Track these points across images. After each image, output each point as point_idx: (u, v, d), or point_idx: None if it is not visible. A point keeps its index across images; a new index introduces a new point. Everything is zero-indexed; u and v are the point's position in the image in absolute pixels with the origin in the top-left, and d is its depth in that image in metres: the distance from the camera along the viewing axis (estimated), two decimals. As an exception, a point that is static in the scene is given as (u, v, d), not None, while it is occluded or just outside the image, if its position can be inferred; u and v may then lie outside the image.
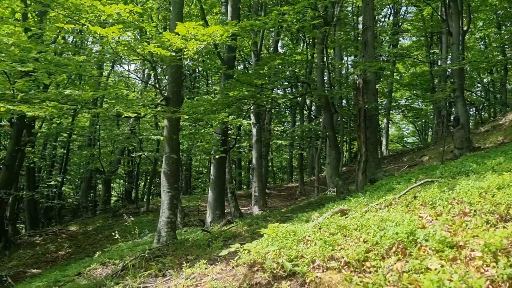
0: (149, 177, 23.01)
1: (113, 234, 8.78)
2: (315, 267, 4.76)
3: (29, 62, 9.53)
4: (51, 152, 24.64)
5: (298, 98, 14.94)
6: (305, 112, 24.07)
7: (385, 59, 24.71)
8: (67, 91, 7.19)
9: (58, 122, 22.25)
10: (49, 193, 24.17)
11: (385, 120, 26.39)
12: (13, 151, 13.65)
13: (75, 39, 19.35)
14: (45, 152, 23.75)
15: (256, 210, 15.54)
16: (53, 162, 26.02)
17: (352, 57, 25.23)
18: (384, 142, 25.54)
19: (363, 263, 4.43)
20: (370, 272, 4.21)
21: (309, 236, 5.58)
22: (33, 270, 13.90)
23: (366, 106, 10.80)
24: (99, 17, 8.20)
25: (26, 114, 7.39)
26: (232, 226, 11.47)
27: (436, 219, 5.14)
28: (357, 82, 11.06)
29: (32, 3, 10.90)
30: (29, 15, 12.42)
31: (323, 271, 4.65)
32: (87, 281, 9.06)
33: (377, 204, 6.83)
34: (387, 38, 25.08)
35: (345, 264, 4.52)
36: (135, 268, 8.07)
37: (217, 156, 12.83)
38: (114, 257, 10.28)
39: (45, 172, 25.46)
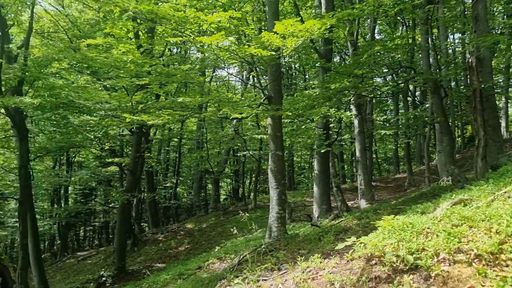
0: (254, 175, 23.85)
1: (232, 230, 9.27)
2: (440, 260, 4.49)
3: (143, 76, 10.54)
4: (165, 156, 26.96)
5: (401, 85, 14.17)
6: (409, 98, 22.74)
7: (499, 32, 22.16)
8: (179, 99, 7.80)
9: (169, 128, 24.23)
10: (166, 194, 26.45)
11: (503, 100, 23.73)
12: (135, 157, 15.18)
13: (179, 50, 20.87)
14: (160, 157, 26.06)
15: (363, 204, 15.14)
16: (167, 166, 28.45)
17: (458, 34, 23.11)
18: (503, 124, 22.95)
19: (497, 256, 4.06)
20: (506, 266, 3.85)
21: (429, 228, 5.28)
22: (158, 264, 15.29)
23: (482, 86, 9.84)
24: (201, 27, 8.73)
25: (147, 123, 8.17)
26: (342, 220, 11.33)
27: None
28: (470, 60, 10.11)
29: (143, 22, 12.02)
30: (140, 33, 13.70)
31: (449, 265, 4.37)
32: (208, 274, 9.70)
33: (505, 192, 6.19)
34: (500, 8, 22.46)
35: (475, 257, 4.19)
36: (250, 262, 8.44)
37: (322, 151, 12.78)
38: (229, 252, 10.82)
39: (161, 175, 27.94)
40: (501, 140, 13.48)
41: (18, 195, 13.33)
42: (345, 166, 29.08)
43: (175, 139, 25.31)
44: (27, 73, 12.33)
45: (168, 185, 26.26)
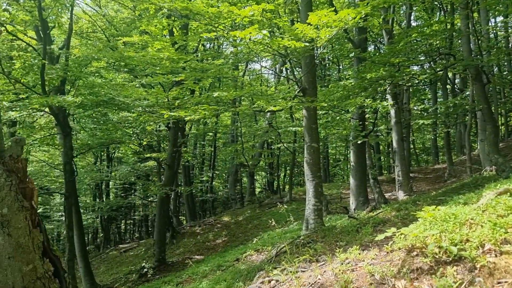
0: (289, 168, 23.83)
1: (269, 221, 9.35)
2: (485, 251, 4.37)
3: (179, 72, 10.73)
4: (200, 150, 27.44)
5: (440, 72, 13.71)
6: (448, 86, 21.96)
7: (546, 13, 20.93)
8: (215, 94, 7.91)
9: (204, 123, 24.61)
10: (203, 188, 26.93)
11: (550, 85, 22.44)
12: (172, 152, 15.52)
13: (212, 45, 21.10)
14: (196, 151, 26.54)
15: (401, 195, 14.82)
16: (203, 160, 28.95)
17: (501, 18, 22.03)
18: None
19: (548, 246, 3.90)
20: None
21: (472, 219, 5.14)
22: (197, 256, 15.62)
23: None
24: (234, 21, 8.80)
25: (183, 118, 8.34)
26: (380, 212, 11.17)
27: None
28: (514, 44, 9.66)
29: (177, 19, 12.23)
30: (174, 29, 13.94)
31: (496, 256, 4.25)
32: (246, 266, 9.83)
33: (556, 181, 5.92)
34: (547, -13, 21.18)
35: (524, 248, 4.05)
36: (288, 254, 8.49)
37: (359, 142, 12.62)
38: (267, 244, 10.91)
39: (197, 169, 28.45)
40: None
41: (63, 190, 13.97)
42: (382, 158, 28.52)
43: (210, 134, 25.68)
44: (68, 73, 12.85)
45: (204, 179, 26.71)
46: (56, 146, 16.40)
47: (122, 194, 26.90)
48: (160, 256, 14.78)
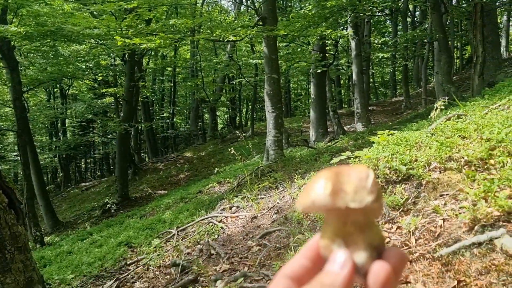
0: (250, 103, 23.77)
1: (230, 151, 9.44)
2: (432, 169, 4.63)
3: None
4: (160, 86, 26.64)
5: (400, 1, 13.62)
6: (408, 19, 21.98)
7: None
8: (171, 21, 7.50)
9: (162, 57, 23.67)
10: (164, 124, 26.55)
11: (504, 17, 22.99)
12: (129, 86, 14.99)
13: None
14: (155, 87, 25.75)
15: (359, 127, 15.29)
16: (163, 96, 28.23)
17: None
18: (503, 43, 22.47)
19: (486, 161, 4.17)
20: (495, 169, 3.97)
21: (422, 142, 5.39)
22: (160, 191, 15.78)
23: (484, 0, 9.47)
24: None
25: (139, 47, 7.94)
26: (338, 142, 11.53)
27: None
28: (473, -28, 9.64)
29: None
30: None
31: (440, 173, 4.52)
32: (208, 197, 10.07)
33: (499, 106, 6.23)
34: None
35: (465, 164, 4.31)
36: (249, 183, 8.72)
37: (318, 71, 12.61)
38: (229, 176, 11.12)
39: (157, 105, 27.82)
40: (500, 58, 13.28)
41: (15, 128, 13.35)
42: (342, 91, 28.93)
43: (169, 68, 24.83)
44: (9, 0, 11.75)
45: (164, 115, 26.26)
46: (3, 81, 15.40)
47: (80, 132, 26.13)
48: (123, 192, 14.80)
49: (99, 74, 17.99)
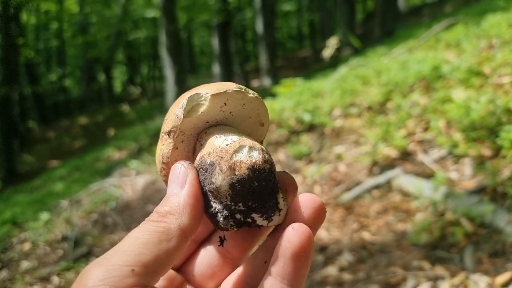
0: (151, 61, 22.31)
1: (129, 112, 8.67)
2: (335, 117, 4.54)
3: None
4: (46, 44, 23.59)
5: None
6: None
7: None
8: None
9: (46, 11, 20.84)
10: (53, 89, 23.92)
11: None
12: (6, 44, 13.04)
13: None
14: (40, 45, 22.78)
15: (266, 82, 15.17)
16: (49, 56, 25.09)
17: None
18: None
19: (384, 105, 4.18)
20: (391, 112, 3.99)
21: (325, 91, 5.29)
22: (53, 162, 14.36)
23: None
24: None
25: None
26: (243, 97, 11.26)
27: (461, 55, 4.76)
28: None
29: None
30: None
31: (343, 119, 4.45)
32: (106, 164, 9.30)
33: (396, 51, 6.39)
34: None
35: (366, 109, 4.28)
36: (150, 146, 8.17)
37: (220, 21, 11.97)
38: (129, 141, 10.40)
39: (44, 66, 24.80)
40: (397, 10, 13.91)
41: None
42: (249, 47, 28.52)
43: (55, 25, 22.01)
44: None
45: (53, 78, 23.50)
46: None
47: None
48: (9, 166, 13.15)
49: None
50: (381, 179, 3.47)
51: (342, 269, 2.78)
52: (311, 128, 4.80)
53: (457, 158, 3.25)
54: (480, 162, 3.06)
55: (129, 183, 6.31)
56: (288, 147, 4.41)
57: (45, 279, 4.24)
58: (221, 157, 0.62)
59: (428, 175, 3.29)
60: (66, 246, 4.96)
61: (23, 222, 6.40)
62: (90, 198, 6.34)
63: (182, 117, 0.66)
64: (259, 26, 15.12)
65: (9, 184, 12.52)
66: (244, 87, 0.71)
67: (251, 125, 0.77)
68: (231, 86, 0.70)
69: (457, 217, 2.75)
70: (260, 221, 0.62)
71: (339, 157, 3.90)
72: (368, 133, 3.77)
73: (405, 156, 3.65)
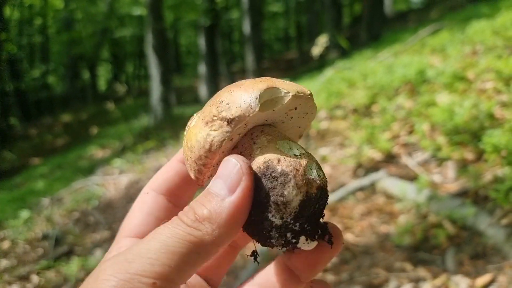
0: (136, 59, 22.07)
1: (114, 111, 8.55)
2: (320, 119, 4.56)
3: None
4: (29, 40, 23.11)
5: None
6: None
7: None
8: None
9: (29, 5, 20.42)
10: (36, 85, 23.44)
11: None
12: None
13: None
14: (23, 41, 22.30)
15: (252, 83, 15.16)
16: (33, 51, 24.60)
17: None
18: (387, 3, 23.98)
19: (370, 107, 4.22)
20: (376, 114, 4.03)
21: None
22: (35, 160, 14.06)
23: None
24: None
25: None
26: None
27: (446, 60, 4.84)
28: None
29: None
30: None
31: (327, 122, 4.47)
32: (89, 162, 9.17)
33: (382, 55, 6.45)
34: None
35: (351, 111, 4.31)
36: (134, 145, 8.08)
37: (207, 24, 11.94)
38: (113, 140, 10.28)
39: (27, 62, 24.29)
40: (383, 14, 14.07)
41: None
42: (236, 48, 28.47)
43: (39, 20, 21.59)
44: None
45: (36, 74, 23.01)
46: None
47: None
48: (-12, 164, 12.84)
49: None
50: (365, 181, 3.50)
51: (325, 270, 2.78)
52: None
53: (441, 161, 3.30)
54: (463, 166, 3.11)
55: (112, 182, 6.23)
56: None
57: (25, 278, 4.17)
58: (297, 170, 0.56)
59: (412, 177, 3.33)
60: (47, 245, 4.89)
61: (2, 220, 6.30)
62: (72, 196, 6.25)
63: (257, 109, 0.57)
64: (246, 27, 15.11)
65: (-12, 182, 12.23)
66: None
67: (293, 135, 0.71)
68: (306, 90, 0.63)
69: (440, 219, 2.78)
70: (302, 244, 0.58)
71: (324, 159, 3.92)
72: (353, 135, 3.80)
73: (390, 158, 3.69)
